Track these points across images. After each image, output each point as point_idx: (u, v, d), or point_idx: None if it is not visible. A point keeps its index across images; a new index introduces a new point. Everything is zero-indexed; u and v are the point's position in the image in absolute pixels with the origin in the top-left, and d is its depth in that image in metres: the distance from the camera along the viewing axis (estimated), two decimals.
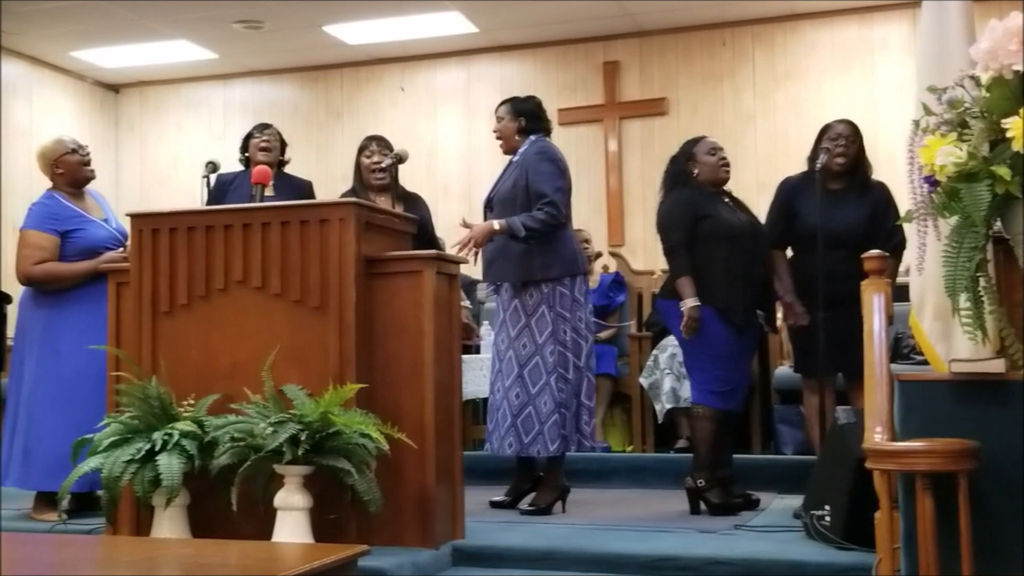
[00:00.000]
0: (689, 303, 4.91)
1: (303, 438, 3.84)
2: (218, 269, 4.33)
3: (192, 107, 10.66)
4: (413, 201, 5.58)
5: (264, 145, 5.70)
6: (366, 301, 4.26)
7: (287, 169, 5.94)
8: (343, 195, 5.49)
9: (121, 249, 5.15)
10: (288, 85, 10.42)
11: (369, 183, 5.52)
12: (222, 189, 5.62)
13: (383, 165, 5.45)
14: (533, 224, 5.01)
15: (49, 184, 5.35)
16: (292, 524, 3.93)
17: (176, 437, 3.98)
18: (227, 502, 3.90)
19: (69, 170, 5.28)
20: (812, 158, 5.17)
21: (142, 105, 10.81)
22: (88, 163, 5.33)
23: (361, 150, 5.60)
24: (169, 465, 3.90)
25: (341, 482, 3.89)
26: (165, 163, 10.68)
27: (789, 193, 5.25)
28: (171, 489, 3.89)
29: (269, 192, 5.20)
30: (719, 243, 5.00)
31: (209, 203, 5.30)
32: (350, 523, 4.07)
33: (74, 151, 5.29)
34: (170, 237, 4.39)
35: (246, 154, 5.85)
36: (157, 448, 3.96)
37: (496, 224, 5.02)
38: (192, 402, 4.19)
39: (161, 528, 4.05)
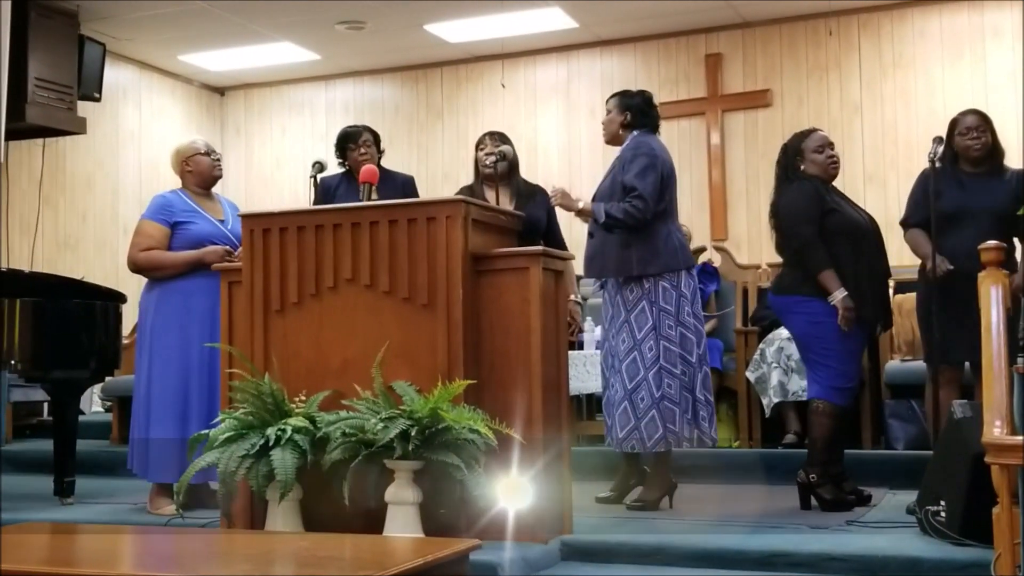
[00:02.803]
0: (839, 296, 4.83)
1: (413, 434, 3.88)
2: (328, 268, 4.38)
3: (295, 109, 10.82)
4: (536, 194, 5.54)
5: (363, 158, 5.72)
6: (473, 298, 4.28)
7: (384, 162, 5.97)
8: (460, 191, 5.51)
9: (227, 247, 5.25)
10: (389, 85, 10.51)
11: (482, 175, 5.54)
12: (328, 193, 5.67)
13: (487, 162, 5.45)
14: (616, 213, 4.96)
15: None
16: (403, 518, 3.98)
17: (289, 433, 4.04)
18: (339, 496, 3.95)
19: (199, 170, 5.46)
20: (942, 158, 5.03)
21: (246, 108, 11.01)
22: (217, 165, 5.50)
23: (477, 145, 5.62)
24: (283, 460, 3.97)
25: (451, 477, 3.92)
26: (269, 164, 10.86)
27: (931, 175, 5.12)
28: (285, 483, 3.95)
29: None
30: (845, 239, 4.93)
31: (316, 204, 5.36)
32: (460, 518, 4.10)
33: (206, 153, 5.49)
34: (280, 237, 4.46)
35: (346, 162, 5.90)
36: (271, 443, 4.03)
37: (582, 203, 5.05)
38: (304, 398, 4.24)
39: (275, 522, 4.13)
